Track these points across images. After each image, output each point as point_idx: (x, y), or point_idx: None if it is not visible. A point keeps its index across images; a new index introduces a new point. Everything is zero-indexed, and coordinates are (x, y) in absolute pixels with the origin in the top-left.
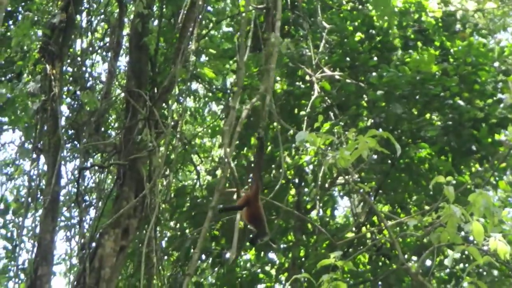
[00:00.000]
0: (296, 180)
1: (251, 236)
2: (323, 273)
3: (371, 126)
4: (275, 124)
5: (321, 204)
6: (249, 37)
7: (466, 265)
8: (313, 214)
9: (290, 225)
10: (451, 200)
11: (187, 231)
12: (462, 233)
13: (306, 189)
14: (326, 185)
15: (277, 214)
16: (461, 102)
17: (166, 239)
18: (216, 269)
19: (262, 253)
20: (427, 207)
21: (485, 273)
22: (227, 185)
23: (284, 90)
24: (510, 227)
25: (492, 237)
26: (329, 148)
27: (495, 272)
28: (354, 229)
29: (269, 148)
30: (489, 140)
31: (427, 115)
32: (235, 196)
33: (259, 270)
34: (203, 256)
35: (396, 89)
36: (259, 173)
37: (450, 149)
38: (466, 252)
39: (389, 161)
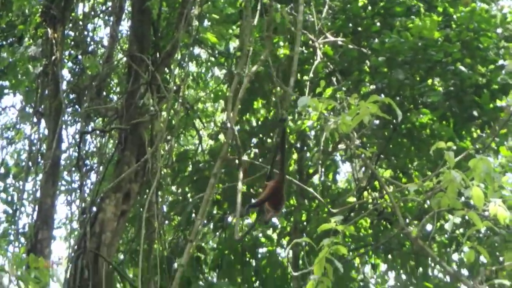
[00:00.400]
0: (298, 145)
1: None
2: (325, 237)
3: (373, 91)
4: (278, 89)
5: (323, 169)
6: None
7: (467, 230)
8: (315, 178)
9: (292, 189)
10: (451, 165)
11: (188, 195)
12: (462, 199)
13: (308, 154)
14: (329, 150)
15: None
16: (463, 68)
17: (167, 203)
18: (217, 233)
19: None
20: (428, 173)
21: (485, 238)
22: (229, 150)
23: (287, 55)
24: (510, 193)
25: (492, 202)
26: (331, 113)
27: (495, 238)
28: (355, 193)
29: (272, 112)
30: (491, 106)
31: (429, 81)
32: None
33: (260, 234)
34: (205, 221)
35: (398, 55)
36: (283, 161)
37: (451, 114)
38: (467, 217)
39: (391, 127)
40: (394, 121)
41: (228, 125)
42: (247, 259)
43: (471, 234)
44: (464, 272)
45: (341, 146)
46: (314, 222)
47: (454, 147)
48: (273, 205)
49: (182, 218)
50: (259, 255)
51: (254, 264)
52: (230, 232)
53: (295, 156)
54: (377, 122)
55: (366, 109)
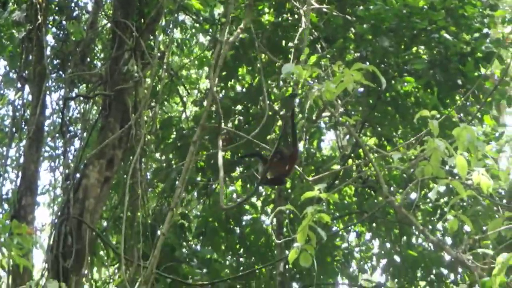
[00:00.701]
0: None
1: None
2: (309, 205)
3: (358, 59)
4: (262, 55)
5: (307, 137)
6: None
7: (450, 198)
8: (300, 146)
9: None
10: (435, 134)
11: (172, 162)
12: (446, 167)
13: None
14: (313, 118)
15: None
16: (447, 36)
17: (151, 170)
18: (201, 200)
19: (248, 184)
20: (413, 141)
21: (469, 207)
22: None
23: (271, 22)
24: (493, 162)
25: (475, 171)
26: (316, 80)
27: (479, 207)
28: (340, 161)
29: (256, 79)
30: (475, 74)
31: (414, 49)
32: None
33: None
34: (189, 188)
35: (383, 22)
36: (295, 137)
37: (436, 83)
38: (451, 186)
39: (375, 95)
40: (379, 89)
41: (211, 94)
42: (231, 226)
43: (455, 203)
44: (448, 240)
45: (326, 113)
46: (298, 189)
47: (438, 115)
48: (280, 177)
49: (166, 185)
50: (243, 223)
51: (238, 231)
52: (214, 199)
53: (279, 123)
54: (361, 90)
55: (350, 77)
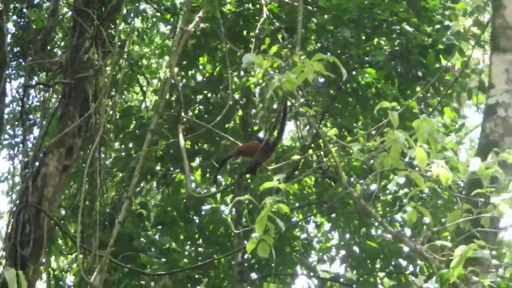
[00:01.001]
0: (243, 102)
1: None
2: (268, 195)
3: (319, 50)
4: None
5: (267, 126)
6: None
7: (410, 190)
8: (260, 135)
9: (237, 146)
10: (395, 125)
11: (132, 152)
12: (406, 159)
13: (253, 111)
14: (273, 108)
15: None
16: (408, 28)
17: (110, 159)
18: (161, 190)
19: (208, 174)
20: (373, 132)
21: (428, 199)
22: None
23: (233, 12)
24: (453, 154)
25: (435, 163)
26: (277, 71)
27: (438, 199)
28: (299, 152)
29: (217, 69)
30: (436, 66)
31: (375, 40)
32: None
33: (204, 191)
34: (148, 177)
35: (344, 13)
36: (283, 129)
37: (397, 74)
38: (410, 178)
39: (336, 85)
40: (339, 80)
41: (172, 80)
42: (190, 216)
43: (414, 195)
44: (407, 232)
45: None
46: (258, 180)
47: (398, 107)
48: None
49: (125, 174)
50: (202, 212)
51: (197, 221)
52: (174, 189)
53: (240, 113)
54: (322, 80)
55: (311, 67)
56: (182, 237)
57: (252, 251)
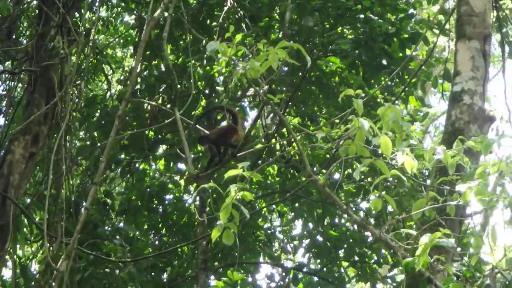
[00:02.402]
0: (207, 91)
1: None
2: (232, 184)
3: (283, 38)
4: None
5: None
6: None
7: (375, 178)
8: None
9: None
10: (360, 113)
11: (96, 140)
12: (371, 147)
13: (216, 100)
14: (237, 97)
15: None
16: (373, 16)
17: (75, 148)
18: (125, 178)
19: (171, 163)
20: (337, 121)
21: (392, 187)
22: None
23: (196, 0)
24: (418, 142)
25: (400, 151)
26: (240, 59)
27: (403, 187)
28: (263, 140)
29: (181, 58)
30: (400, 55)
31: (339, 29)
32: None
33: (168, 180)
34: (113, 166)
35: (308, 1)
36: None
37: (361, 63)
38: (375, 166)
39: (300, 74)
40: (304, 68)
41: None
42: (154, 205)
43: (379, 183)
44: (371, 221)
45: (250, 93)
46: (222, 168)
47: (363, 95)
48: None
49: (90, 162)
50: (166, 201)
51: (161, 210)
52: (137, 177)
53: (203, 102)
54: (285, 69)
55: (275, 55)
56: (146, 226)
57: (216, 240)
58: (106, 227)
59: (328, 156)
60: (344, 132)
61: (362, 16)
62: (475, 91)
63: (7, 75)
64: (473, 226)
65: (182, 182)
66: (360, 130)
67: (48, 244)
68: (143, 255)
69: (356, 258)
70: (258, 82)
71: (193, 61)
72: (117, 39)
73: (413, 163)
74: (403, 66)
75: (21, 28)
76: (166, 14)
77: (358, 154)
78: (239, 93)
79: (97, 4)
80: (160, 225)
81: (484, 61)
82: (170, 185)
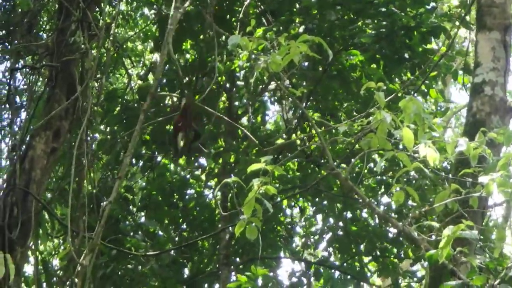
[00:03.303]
0: (228, 85)
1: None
2: (253, 178)
3: (304, 32)
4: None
5: (252, 110)
6: None
7: (396, 172)
8: (244, 120)
9: (221, 130)
10: (382, 106)
11: (117, 135)
12: (392, 140)
13: (237, 95)
14: (258, 91)
15: (208, 120)
16: (394, 10)
17: (96, 142)
18: (146, 173)
19: (193, 158)
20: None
21: (414, 181)
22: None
23: None
24: (440, 134)
25: (422, 143)
26: (262, 53)
27: (425, 180)
28: (284, 135)
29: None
30: (421, 48)
31: (360, 22)
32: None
33: (189, 175)
34: (134, 160)
35: None
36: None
37: (382, 56)
38: (396, 160)
39: (321, 68)
40: (325, 62)
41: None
42: (175, 200)
43: (401, 176)
44: (393, 215)
45: (271, 86)
46: (243, 163)
47: (384, 87)
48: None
49: (111, 157)
50: (187, 196)
51: (181, 205)
52: (159, 172)
53: (224, 97)
54: (306, 64)
55: (297, 48)
56: (166, 221)
57: (240, 234)
58: (127, 222)
59: (348, 151)
60: (366, 125)
61: (383, 9)
62: (496, 82)
63: (27, 70)
64: (496, 218)
65: (203, 177)
66: (382, 123)
67: (71, 239)
68: (164, 250)
69: (378, 253)
70: (279, 76)
71: (215, 55)
72: (137, 33)
73: (435, 155)
74: (425, 60)
75: (41, 23)
76: (172, 8)
77: (380, 147)
78: (260, 87)
79: None
80: (180, 220)
81: (505, 52)
82: (191, 180)
